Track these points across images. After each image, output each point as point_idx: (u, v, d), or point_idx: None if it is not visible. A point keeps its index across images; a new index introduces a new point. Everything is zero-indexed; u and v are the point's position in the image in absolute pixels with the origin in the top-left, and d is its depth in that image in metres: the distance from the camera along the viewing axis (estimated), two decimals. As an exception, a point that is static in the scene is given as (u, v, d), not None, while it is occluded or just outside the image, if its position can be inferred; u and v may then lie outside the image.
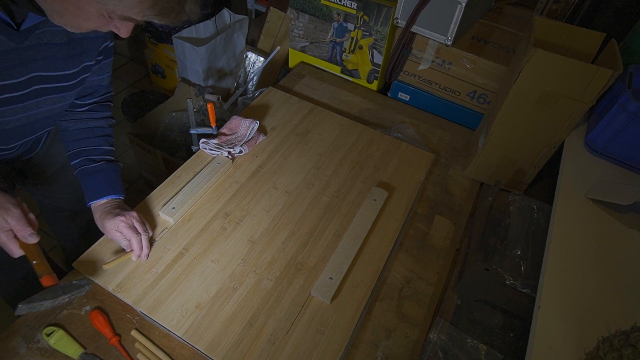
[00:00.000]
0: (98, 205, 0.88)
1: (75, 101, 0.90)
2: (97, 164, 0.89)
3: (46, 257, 1.23)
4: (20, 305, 0.69)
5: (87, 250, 0.87)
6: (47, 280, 0.73)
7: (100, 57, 0.84)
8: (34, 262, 0.72)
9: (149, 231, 0.88)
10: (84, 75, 0.82)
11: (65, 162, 1.08)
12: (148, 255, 0.87)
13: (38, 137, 0.95)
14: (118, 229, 0.83)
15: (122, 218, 0.83)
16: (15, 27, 0.63)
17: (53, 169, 1.07)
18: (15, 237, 0.69)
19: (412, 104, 1.40)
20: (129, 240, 0.84)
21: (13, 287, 1.16)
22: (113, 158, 0.93)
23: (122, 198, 0.91)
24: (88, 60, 0.80)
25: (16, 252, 0.70)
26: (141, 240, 0.85)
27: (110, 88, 0.96)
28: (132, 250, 0.85)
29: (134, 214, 0.86)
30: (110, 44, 0.84)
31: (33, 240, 0.70)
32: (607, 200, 0.93)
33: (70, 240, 1.31)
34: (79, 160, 0.90)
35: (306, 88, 1.42)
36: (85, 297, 0.83)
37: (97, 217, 0.87)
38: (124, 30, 0.62)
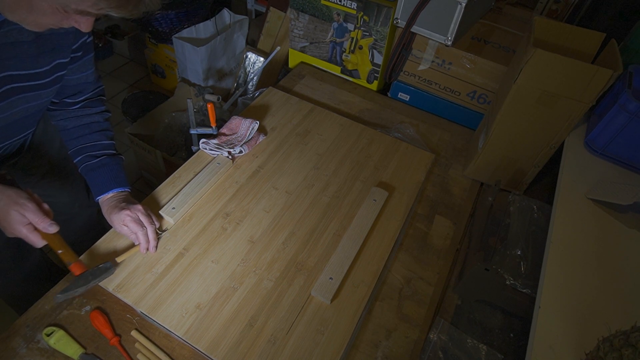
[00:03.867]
0: (104, 199, 0.89)
1: (66, 100, 0.89)
2: (99, 159, 0.89)
3: (45, 258, 1.23)
4: (58, 296, 0.75)
5: (87, 251, 0.87)
6: (76, 268, 0.78)
7: (79, 53, 0.82)
8: (59, 251, 0.77)
9: (156, 223, 0.88)
10: (59, 73, 0.80)
11: (54, 164, 1.07)
12: (156, 247, 0.87)
13: (22, 138, 0.94)
14: (124, 223, 0.84)
15: (128, 212, 0.84)
16: None
17: (42, 170, 1.06)
18: (36, 229, 0.72)
19: (412, 104, 1.40)
20: (135, 234, 0.84)
21: (14, 289, 1.15)
22: (114, 151, 0.93)
23: (128, 190, 0.91)
24: (61, 58, 0.78)
25: (39, 243, 0.73)
26: (147, 233, 0.85)
27: (99, 83, 0.95)
28: (139, 244, 0.85)
29: (139, 207, 0.86)
30: (89, 39, 0.83)
31: (53, 229, 0.73)
32: (607, 200, 0.93)
33: (68, 243, 1.31)
34: (80, 157, 0.90)
35: (306, 88, 1.42)
36: (85, 297, 0.83)
37: (104, 211, 0.88)
38: (84, 25, 0.61)
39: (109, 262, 0.82)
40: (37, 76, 0.76)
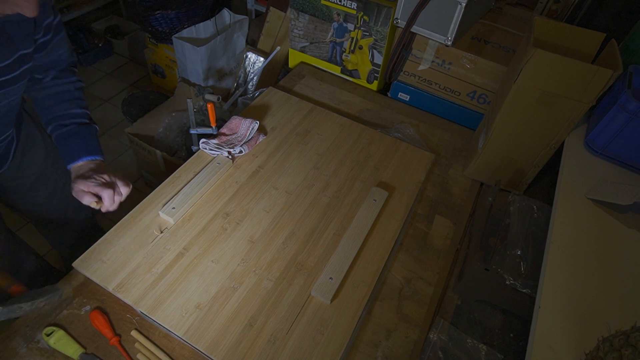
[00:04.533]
0: (74, 167, 0.86)
1: (36, 76, 0.87)
2: (68, 127, 0.88)
3: (42, 262, 1.21)
4: (0, 309, 0.69)
5: (87, 250, 0.87)
6: (16, 289, 0.73)
7: (48, 37, 0.79)
8: None
9: (121, 188, 0.84)
10: (25, 67, 0.77)
11: (41, 172, 1.06)
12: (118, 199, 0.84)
13: (5, 146, 0.93)
14: (88, 189, 0.81)
15: (92, 180, 0.81)
16: None
17: (30, 180, 1.05)
18: None
19: (412, 104, 1.40)
20: (101, 195, 0.81)
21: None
22: (86, 121, 0.91)
23: (100, 159, 0.89)
24: (23, 49, 0.74)
25: None
26: (112, 195, 0.82)
27: (72, 57, 0.92)
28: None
29: (104, 175, 0.83)
30: (55, 20, 0.80)
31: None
32: (607, 200, 0.93)
33: (65, 247, 1.31)
34: (51, 127, 0.88)
35: (306, 88, 1.42)
36: (85, 297, 0.83)
37: (72, 179, 0.85)
38: (27, 9, 0.59)
39: (55, 285, 0.79)
40: (0, 72, 0.73)
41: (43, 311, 0.79)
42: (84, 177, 0.83)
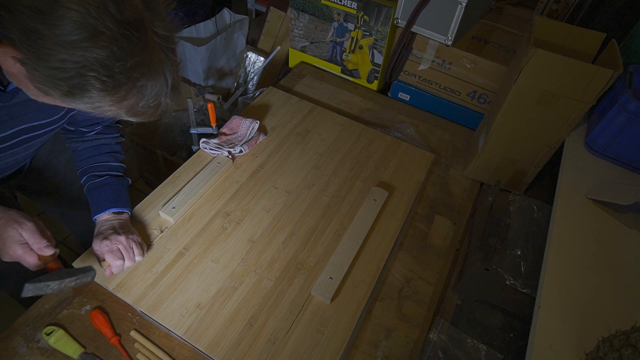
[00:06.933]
0: (99, 220, 0.86)
1: (81, 129, 0.90)
2: (102, 178, 0.88)
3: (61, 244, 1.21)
4: (26, 285, 0.68)
5: (87, 250, 0.86)
6: (52, 266, 0.73)
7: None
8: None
9: (137, 257, 0.83)
10: (71, 113, 0.82)
11: (64, 176, 1.07)
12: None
13: (23, 163, 0.94)
14: (102, 254, 0.80)
15: (107, 242, 0.80)
16: (2, 88, 0.65)
17: (53, 185, 1.06)
18: (32, 250, 0.69)
19: (412, 103, 1.40)
20: (111, 264, 0.80)
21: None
22: (120, 174, 0.92)
23: (127, 212, 0.88)
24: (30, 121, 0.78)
25: (34, 264, 0.69)
26: (121, 265, 0.80)
27: None
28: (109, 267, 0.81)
29: (122, 238, 0.81)
30: None
31: (49, 252, 0.69)
32: (607, 200, 0.93)
33: (80, 227, 1.29)
34: (85, 177, 0.89)
35: (306, 88, 1.42)
36: (85, 297, 0.83)
37: (94, 233, 0.84)
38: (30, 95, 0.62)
39: (89, 266, 0.77)
40: (53, 122, 0.78)
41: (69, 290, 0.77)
42: (104, 235, 0.81)
